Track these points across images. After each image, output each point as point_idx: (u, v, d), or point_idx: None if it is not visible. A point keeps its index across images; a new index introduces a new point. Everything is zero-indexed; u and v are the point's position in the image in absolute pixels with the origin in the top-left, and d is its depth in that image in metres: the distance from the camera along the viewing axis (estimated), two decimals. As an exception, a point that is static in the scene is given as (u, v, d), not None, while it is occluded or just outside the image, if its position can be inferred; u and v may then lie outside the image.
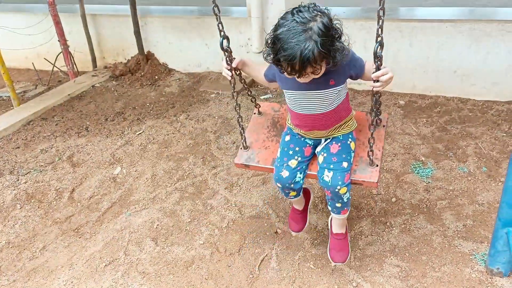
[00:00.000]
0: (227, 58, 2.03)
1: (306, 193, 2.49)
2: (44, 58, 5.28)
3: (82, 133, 3.99)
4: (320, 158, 2.06)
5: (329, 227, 2.33)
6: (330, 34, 1.58)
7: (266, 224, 2.73)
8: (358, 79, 1.94)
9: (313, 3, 1.64)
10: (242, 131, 2.26)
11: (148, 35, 5.09)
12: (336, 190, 1.96)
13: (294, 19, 1.57)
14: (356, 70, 1.85)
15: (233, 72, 2.06)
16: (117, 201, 3.10)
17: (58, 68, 5.34)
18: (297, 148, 2.11)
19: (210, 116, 4.07)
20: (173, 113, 4.22)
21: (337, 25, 1.65)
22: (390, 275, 2.31)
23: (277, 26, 1.62)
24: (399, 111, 3.79)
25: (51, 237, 2.82)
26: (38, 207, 3.09)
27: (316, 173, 2.07)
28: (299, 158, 2.08)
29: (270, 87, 2.36)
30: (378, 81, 1.68)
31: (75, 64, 5.23)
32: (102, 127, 4.07)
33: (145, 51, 5.11)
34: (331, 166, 1.99)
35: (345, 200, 2.03)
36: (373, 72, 1.67)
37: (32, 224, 2.94)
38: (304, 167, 2.10)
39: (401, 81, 4.04)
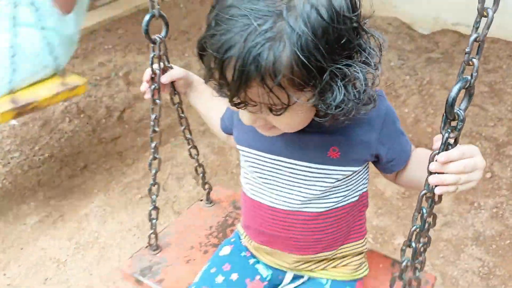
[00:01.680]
0: (154, 58, 1.11)
1: None
2: (118, -35, 4.98)
3: (142, 50, 3.73)
4: None
5: None
6: (339, 34, 0.69)
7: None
8: (389, 178, 1.04)
9: None
10: (154, 213, 1.36)
11: None
12: None
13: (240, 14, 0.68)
14: (391, 150, 0.93)
15: (163, 89, 1.14)
16: (166, 128, 2.84)
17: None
18: (233, 276, 1.07)
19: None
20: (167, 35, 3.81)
21: (368, 29, 0.75)
22: (467, 269, 1.86)
23: None
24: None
25: (94, 157, 2.66)
26: (87, 123, 2.93)
27: None
28: None
29: (229, 143, 1.18)
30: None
31: (148, -26, 4.88)
32: (164, 46, 3.77)
33: None
34: None
35: None
36: (435, 152, 0.75)
37: (77, 140, 2.79)
38: None
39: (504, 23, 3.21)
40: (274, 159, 0.94)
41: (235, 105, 0.74)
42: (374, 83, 0.76)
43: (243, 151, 1.00)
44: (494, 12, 0.65)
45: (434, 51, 3.37)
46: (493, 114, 2.62)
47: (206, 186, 1.47)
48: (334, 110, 0.72)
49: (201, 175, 1.45)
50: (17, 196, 2.39)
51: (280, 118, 0.76)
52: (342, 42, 0.69)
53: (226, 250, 1.15)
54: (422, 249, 0.85)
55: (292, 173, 0.93)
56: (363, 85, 0.73)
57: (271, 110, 0.74)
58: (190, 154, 1.39)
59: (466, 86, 0.68)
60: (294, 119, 0.79)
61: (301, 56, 0.66)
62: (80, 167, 2.59)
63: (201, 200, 1.51)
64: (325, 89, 0.70)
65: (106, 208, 2.29)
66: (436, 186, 0.73)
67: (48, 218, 2.24)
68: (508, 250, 1.91)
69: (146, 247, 1.32)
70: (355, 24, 0.71)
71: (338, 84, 0.70)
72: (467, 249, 1.93)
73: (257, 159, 0.97)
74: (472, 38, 0.68)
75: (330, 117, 0.76)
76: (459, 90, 0.67)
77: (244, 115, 0.81)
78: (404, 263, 0.87)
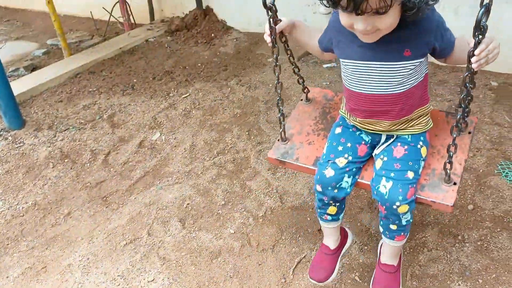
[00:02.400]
0: (270, 19, 1.53)
1: (344, 235, 1.95)
2: (102, 8, 5.08)
3: (127, 91, 3.76)
4: (378, 163, 1.57)
5: (378, 254, 1.84)
6: None
7: (309, 219, 2.33)
8: (441, 60, 1.48)
9: None
10: (281, 118, 1.78)
11: (208, -13, 4.68)
12: (394, 207, 1.48)
13: None
14: (443, 42, 1.38)
15: (277, 38, 1.58)
16: (151, 170, 2.83)
17: (116, 19, 5.12)
18: (349, 144, 1.63)
19: (263, 84, 3.64)
20: (224, 76, 3.84)
21: None
22: (455, 306, 1.85)
23: None
24: (489, 95, 3.12)
25: (78, 202, 2.63)
26: (71, 168, 2.92)
27: (369, 182, 1.58)
28: (350, 157, 1.60)
29: (324, 58, 1.80)
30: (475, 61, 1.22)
31: (132, 15, 4.98)
32: (148, 86, 3.80)
33: (204, 5, 4.72)
34: (392, 175, 1.50)
35: (403, 222, 1.56)
36: (472, 49, 1.20)
37: (61, 186, 2.77)
38: (354, 169, 1.61)
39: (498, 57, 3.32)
40: (367, 64, 1.42)
41: (358, 14, 1.17)
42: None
43: (344, 62, 1.49)
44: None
45: None
46: (472, 145, 2.66)
47: (305, 90, 1.96)
48: (421, 4, 1.16)
49: (302, 84, 1.91)
50: (0, 247, 2.35)
51: (384, 19, 1.19)
52: None
53: (338, 129, 1.69)
54: (468, 101, 1.38)
55: (382, 70, 1.40)
56: None
57: (378, 11, 1.15)
58: (294, 72, 1.85)
59: (487, 9, 1.12)
60: (392, 17, 1.20)
61: None
62: (63, 214, 2.56)
63: (301, 100, 2.01)
64: None
65: (89, 257, 2.25)
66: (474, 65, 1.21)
67: (31, 270, 2.19)
68: (495, 284, 1.91)
69: (278, 140, 1.84)
70: None
71: None
72: (453, 285, 1.92)
73: (356, 65, 1.45)
74: None
75: (415, 10, 1.18)
76: (483, 13, 1.12)
77: (360, 23, 1.22)
78: (459, 116, 1.40)
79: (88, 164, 2.95)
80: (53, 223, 2.50)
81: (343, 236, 1.91)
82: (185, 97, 3.59)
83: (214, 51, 4.33)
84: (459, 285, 1.92)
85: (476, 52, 1.18)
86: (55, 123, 3.35)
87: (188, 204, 2.53)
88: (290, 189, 2.53)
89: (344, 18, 1.26)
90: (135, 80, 3.92)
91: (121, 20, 5.07)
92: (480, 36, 1.16)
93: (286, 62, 3.93)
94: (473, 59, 1.19)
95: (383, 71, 1.40)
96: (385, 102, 1.47)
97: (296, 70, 1.84)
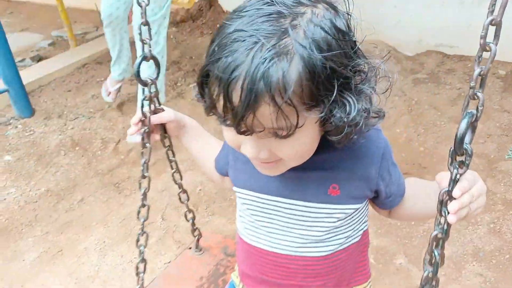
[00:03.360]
0: (144, 101, 1.05)
1: None
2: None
3: (134, 81, 3.75)
4: None
5: None
6: (342, 51, 0.69)
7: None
8: (385, 213, 0.99)
9: None
10: (142, 266, 1.25)
11: (214, -22, 4.68)
12: None
13: (266, 3, 0.70)
14: (390, 184, 0.90)
15: (155, 131, 1.10)
16: (162, 158, 2.82)
17: (121, 11, 5.11)
18: None
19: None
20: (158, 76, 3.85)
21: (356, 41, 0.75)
22: (470, 285, 1.88)
23: (227, 20, 0.73)
24: (498, 83, 3.15)
25: (90, 189, 2.65)
26: (82, 156, 2.93)
27: None
28: None
29: (227, 187, 1.11)
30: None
31: (137, 7, 4.98)
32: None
33: (209, -4, 4.73)
34: None
35: None
36: (446, 188, 0.71)
37: (73, 173, 2.78)
38: None
39: (504, 46, 3.33)
40: (272, 200, 0.90)
41: (241, 133, 0.70)
42: (376, 99, 0.78)
43: (239, 192, 0.95)
44: (496, 46, 0.66)
45: (420, 72, 3.46)
46: (482, 131, 2.69)
47: (196, 233, 1.37)
48: (346, 124, 0.70)
49: (190, 221, 1.38)
50: (15, 233, 2.36)
51: (287, 144, 0.72)
52: (346, 56, 0.70)
53: None
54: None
55: (291, 214, 0.89)
56: (370, 98, 0.74)
57: (278, 135, 0.70)
58: (180, 199, 1.34)
59: (473, 120, 0.67)
60: (302, 144, 0.74)
61: (309, 69, 0.65)
62: (77, 200, 2.57)
63: (190, 248, 1.41)
64: (336, 102, 0.69)
65: (105, 240, 2.27)
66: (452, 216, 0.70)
67: (47, 254, 2.21)
68: (508, 265, 1.94)
69: None
70: (353, 43, 0.73)
71: (349, 97, 0.70)
72: (468, 265, 1.95)
73: (255, 201, 0.92)
74: (476, 72, 0.67)
75: (342, 135, 0.72)
76: (468, 125, 0.66)
77: (248, 146, 0.74)
78: None
79: (99, 152, 2.96)
80: (66, 208, 2.51)
81: None
82: (193, 86, 3.60)
83: (221, 42, 4.34)
84: (473, 265, 1.95)
85: (455, 193, 0.69)
86: (65, 112, 3.36)
87: (200, 190, 2.55)
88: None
89: (229, 136, 0.79)
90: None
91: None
92: (458, 170, 0.69)
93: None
94: (450, 206, 0.69)
95: (294, 217, 0.89)
96: (294, 271, 0.93)
97: (184, 197, 1.34)
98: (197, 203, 2.45)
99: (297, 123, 0.68)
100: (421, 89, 3.20)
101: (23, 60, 4.24)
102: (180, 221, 2.34)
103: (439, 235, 0.73)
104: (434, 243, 0.74)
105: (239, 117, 0.67)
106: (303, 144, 0.75)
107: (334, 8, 0.71)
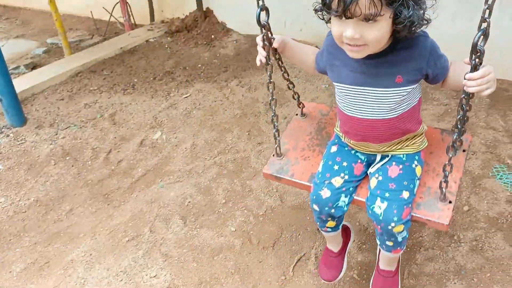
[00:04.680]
0: (264, 36, 1.52)
1: (346, 232, 1.97)
2: (103, 7, 5.11)
3: (128, 91, 3.79)
4: (373, 182, 1.56)
5: (377, 257, 1.86)
6: None
7: (308, 218, 2.37)
8: (436, 85, 1.47)
9: None
10: (276, 133, 1.74)
11: (209, -11, 4.73)
12: (389, 227, 1.48)
13: None
14: (435, 69, 1.36)
15: (271, 55, 1.57)
16: (152, 169, 2.87)
17: (116, 19, 5.15)
18: (344, 163, 1.61)
19: (264, 85, 3.69)
20: (224, 77, 3.88)
21: None
22: (450, 303, 1.90)
23: None
24: (484, 99, 3.19)
25: (79, 199, 2.66)
26: (72, 166, 2.95)
27: (365, 200, 1.58)
28: (346, 177, 1.59)
29: (314, 73, 1.73)
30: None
31: (132, 15, 5.01)
32: (149, 86, 3.84)
33: (204, 7, 4.76)
34: (387, 195, 1.49)
35: (399, 239, 1.56)
36: (467, 73, 1.19)
37: (63, 183, 2.80)
38: (351, 189, 1.60)
39: (491, 63, 3.38)
40: (359, 89, 1.41)
41: (347, 17, 1.16)
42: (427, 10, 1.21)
43: (337, 85, 1.48)
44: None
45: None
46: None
47: (300, 105, 1.95)
48: (408, 21, 1.16)
49: (297, 99, 1.89)
50: (3, 243, 2.37)
51: (372, 29, 1.18)
52: None
53: (334, 148, 1.67)
54: (464, 121, 1.33)
55: (374, 96, 1.40)
56: (425, 7, 1.20)
57: (368, 19, 1.15)
58: (288, 87, 1.82)
59: (484, 33, 1.11)
60: (381, 30, 1.19)
61: None
62: (66, 210, 2.59)
63: (297, 115, 1.99)
64: (403, 5, 1.14)
65: (92, 253, 2.28)
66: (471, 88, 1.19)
67: (34, 265, 2.22)
68: (490, 283, 1.96)
69: (273, 155, 1.82)
70: None
71: (414, 10, 1.16)
72: (449, 283, 1.97)
73: (348, 90, 1.44)
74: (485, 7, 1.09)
75: (406, 28, 1.19)
76: (480, 35, 1.11)
77: (350, 29, 1.19)
78: (455, 136, 1.37)
79: (89, 162, 2.98)
80: (55, 219, 2.53)
81: (346, 236, 1.95)
82: (185, 97, 3.63)
83: (214, 53, 4.37)
84: (455, 283, 1.98)
85: (473, 75, 1.16)
86: (57, 121, 3.38)
87: (189, 202, 2.57)
88: (290, 188, 2.58)
89: (335, 27, 1.24)
90: (135, 80, 3.95)
91: (121, 20, 5.09)
92: (477, 60, 1.15)
93: (288, 64, 4.01)
94: (469, 83, 1.18)
95: (375, 97, 1.40)
96: (378, 127, 1.46)
97: (291, 86, 1.82)
98: (185, 215, 2.47)
99: (381, 10, 1.13)
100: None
101: (17, 67, 4.27)
102: (168, 233, 2.36)
103: (465, 97, 1.25)
104: (464, 99, 1.26)
105: (348, 4, 1.13)
106: (382, 30, 1.19)
107: None
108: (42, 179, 2.83)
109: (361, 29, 1.18)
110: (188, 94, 3.67)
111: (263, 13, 1.50)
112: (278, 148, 1.79)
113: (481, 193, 2.42)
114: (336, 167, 1.61)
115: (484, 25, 1.11)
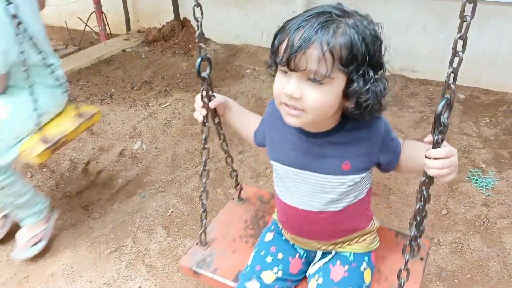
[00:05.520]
0: (203, 91, 1.31)
1: None
2: (77, 17, 5.04)
3: (105, 101, 3.74)
4: (312, 284, 1.28)
5: None
6: (374, 47, 0.98)
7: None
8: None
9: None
10: (204, 214, 1.47)
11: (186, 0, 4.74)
12: None
13: (316, 12, 0.98)
14: (388, 156, 1.16)
15: (209, 114, 1.35)
16: (133, 179, 2.83)
17: (91, 28, 5.08)
18: (280, 255, 1.34)
19: (243, 94, 3.72)
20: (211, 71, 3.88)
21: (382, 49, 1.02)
22: (433, 304, 1.94)
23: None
24: (457, 107, 3.31)
25: (58, 212, 2.59)
26: (50, 178, 2.88)
27: None
28: (280, 273, 1.30)
29: (259, 149, 1.45)
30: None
31: (108, 25, 4.96)
32: (127, 96, 3.80)
33: (181, 17, 4.77)
34: None
35: None
36: (429, 149, 0.98)
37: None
38: None
39: (463, 72, 3.51)
40: (299, 172, 1.19)
41: (290, 68, 0.96)
42: (386, 93, 1.04)
43: (274, 165, 1.25)
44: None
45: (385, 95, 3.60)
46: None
47: (238, 187, 1.70)
48: (361, 97, 0.98)
49: (234, 178, 1.66)
50: (-22, 259, 2.29)
51: (315, 92, 0.97)
52: (376, 51, 0.98)
53: (269, 236, 1.42)
54: (422, 217, 1.12)
55: (315, 183, 1.17)
56: (384, 88, 1.01)
57: (314, 79, 0.95)
58: (226, 162, 1.58)
59: (448, 103, 0.92)
60: (326, 97, 0.98)
61: (351, 42, 0.93)
62: (44, 223, 2.52)
63: (233, 199, 1.74)
64: (360, 75, 0.96)
65: (73, 266, 2.23)
66: (430, 171, 0.98)
67: (13, 280, 2.15)
68: (470, 284, 2.02)
69: (197, 243, 1.52)
70: (380, 45, 1.00)
71: (370, 75, 0.97)
72: (431, 285, 2.02)
73: (286, 172, 1.22)
74: (449, 71, 0.91)
75: (358, 108, 1.01)
76: (444, 106, 0.92)
77: (290, 83, 0.99)
78: (412, 233, 1.14)
79: (67, 174, 2.92)
80: (33, 232, 2.46)
81: None
82: (165, 107, 3.61)
83: (192, 62, 4.37)
84: (437, 285, 2.03)
85: (434, 154, 0.96)
86: (32, 132, 3.29)
87: (172, 212, 2.55)
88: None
89: (277, 81, 1.03)
90: (113, 90, 3.90)
91: (96, 30, 5.04)
92: (440, 135, 0.95)
93: (264, 74, 4.05)
94: (429, 163, 0.97)
95: (317, 185, 1.17)
96: (317, 222, 1.23)
97: (229, 160, 1.57)
98: (168, 225, 2.44)
99: (330, 71, 0.93)
100: (386, 112, 3.27)
101: (-12, 77, 4.14)
102: (151, 244, 2.33)
103: (427, 180, 1.03)
104: (423, 186, 1.05)
105: (293, 52, 0.93)
106: (327, 97, 0.98)
107: (370, 21, 1.01)
108: (18, 192, 2.74)
109: (303, 88, 0.97)
110: (167, 104, 3.65)
111: (204, 64, 1.28)
112: (203, 235, 1.50)
113: (458, 196, 2.50)
114: (269, 259, 1.32)
115: (449, 92, 0.92)
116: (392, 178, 2.66)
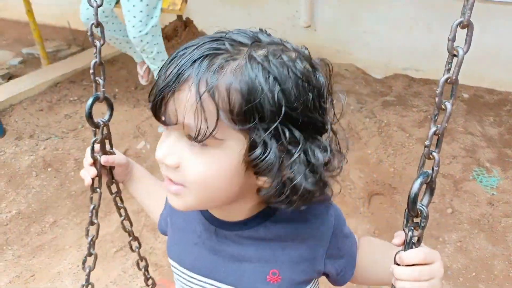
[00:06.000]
0: (95, 144, 0.97)
1: None
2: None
3: (109, 100, 3.74)
4: None
5: None
6: (302, 96, 0.61)
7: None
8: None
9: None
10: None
11: None
12: None
13: (211, 37, 0.64)
14: (338, 262, 0.79)
15: (104, 176, 0.99)
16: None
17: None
18: None
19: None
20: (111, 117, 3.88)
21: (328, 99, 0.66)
22: (439, 303, 1.94)
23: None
24: (461, 106, 3.31)
25: (63, 211, 2.61)
26: (55, 177, 2.88)
27: None
28: None
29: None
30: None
31: (111, 25, 4.97)
32: (131, 96, 3.81)
33: (184, 17, 4.77)
34: None
35: None
36: (400, 250, 0.65)
37: (45, 195, 2.73)
38: None
39: (466, 71, 3.51)
40: (204, 282, 0.78)
41: (157, 118, 0.63)
42: (328, 170, 0.64)
43: (172, 265, 0.85)
44: (464, 51, 0.62)
45: (388, 95, 3.60)
46: (447, 152, 2.82)
47: (149, 282, 1.27)
48: (268, 173, 0.61)
49: (143, 269, 1.28)
50: (-16, 257, 2.30)
51: (198, 160, 0.62)
52: (308, 103, 0.61)
53: None
54: None
55: None
56: (324, 160, 0.63)
57: (193, 137, 0.60)
58: (131, 247, 1.21)
59: (428, 181, 0.61)
60: (213, 167, 0.62)
61: (254, 80, 0.58)
62: (49, 223, 2.52)
63: None
64: (269, 136, 0.59)
65: (79, 264, 2.23)
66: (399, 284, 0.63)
67: (19, 279, 2.16)
68: (475, 282, 2.03)
69: None
70: (314, 88, 0.62)
71: (287, 137, 0.60)
72: (437, 283, 2.03)
73: (186, 279, 0.81)
74: (431, 131, 0.63)
75: (273, 191, 0.63)
76: (421, 186, 0.61)
77: (162, 145, 0.66)
78: None
79: (72, 173, 2.92)
80: (38, 231, 2.46)
81: None
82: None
83: (195, 62, 4.38)
84: (442, 284, 2.03)
85: (405, 258, 0.62)
86: (36, 132, 3.30)
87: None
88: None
89: (159, 141, 0.69)
90: (117, 90, 3.91)
91: (99, 30, 5.04)
92: (415, 232, 0.63)
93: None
94: (397, 272, 0.63)
95: None
96: None
97: (136, 245, 1.20)
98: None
99: (215, 127, 0.58)
100: (390, 111, 3.32)
101: (-8, 78, 4.16)
102: (156, 243, 2.34)
103: None
104: None
105: (158, 95, 0.61)
106: (212, 168, 0.62)
107: (307, 60, 0.64)
108: (24, 191, 2.75)
109: (180, 152, 0.64)
110: (171, 103, 3.66)
111: (103, 106, 0.96)
112: None
113: (463, 195, 2.50)
114: None
115: (430, 165, 0.62)
116: (396, 177, 2.67)
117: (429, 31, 3.60)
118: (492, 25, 3.34)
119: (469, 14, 0.60)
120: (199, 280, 0.79)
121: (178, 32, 4.77)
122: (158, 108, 0.62)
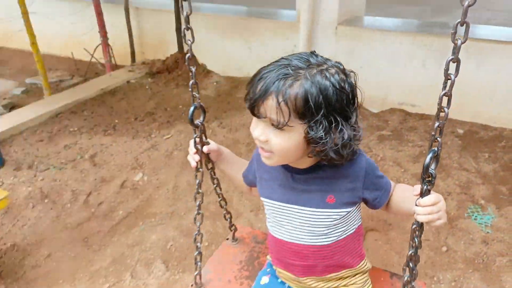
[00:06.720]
0: (196, 138, 1.35)
1: None
2: (84, 48, 5.16)
3: (108, 132, 3.79)
4: None
5: None
6: (336, 97, 1.01)
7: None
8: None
9: (337, 62, 1.08)
10: (198, 257, 1.49)
11: (190, 33, 4.86)
12: None
13: (281, 63, 1.04)
14: (375, 192, 1.20)
15: (203, 159, 1.38)
16: (133, 211, 2.85)
17: (97, 60, 5.20)
18: None
19: (244, 126, 3.76)
20: (205, 119, 3.94)
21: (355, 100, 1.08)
22: None
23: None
24: (456, 141, 3.34)
25: (58, 244, 2.61)
26: (51, 209, 2.89)
27: None
28: None
29: (252, 195, 1.50)
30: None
31: (113, 57, 5.08)
32: (130, 127, 3.85)
33: (185, 49, 4.88)
34: None
35: None
36: (418, 197, 1.02)
37: (41, 227, 2.74)
38: None
39: (462, 107, 3.58)
40: (286, 206, 1.22)
41: (254, 114, 1.04)
42: (355, 139, 1.06)
43: (264, 201, 1.29)
44: (448, 109, 0.93)
45: (384, 129, 3.64)
46: (443, 188, 2.83)
47: (232, 227, 1.70)
48: (318, 144, 1.01)
49: (228, 220, 1.67)
50: (-24, 291, 2.29)
51: (278, 137, 1.03)
52: (340, 101, 1.01)
53: (264, 279, 1.41)
54: (416, 259, 1.10)
55: (301, 216, 1.20)
56: (350, 136, 1.03)
57: (275, 126, 1.01)
58: (220, 205, 1.61)
59: (435, 155, 0.96)
60: (288, 142, 1.04)
61: (306, 94, 0.98)
62: (44, 256, 2.52)
63: (227, 239, 1.74)
64: (317, 124, 1.00)
65: (72, 299, 2.23)
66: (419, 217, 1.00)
67: (11, 315, 2.15)
68: (469, 323, 2.01)
69: (192, 285, 1.51)
70: (348, 98, 1.03)
71: (325, 125, 1.00)
72: (431, 324, 2.01)
73: (275, 207, 1.25)
74: (436, 125, 0.95)
75: (319, 154, 1.04)
76: (431, 159, 0.95)
77: (257, 128, 1.07)
78: (406, 278, 1.12)
79: (69, 205, 2.93)
80: (33, 264, 2.46)
81: None
82: (167, 138, 3.66)
83: (195, 94, 4.44)
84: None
85: (423, 201, 0.99)
86: (35, 163, 3.34)
87: (171, 245, 2.55)
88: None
89: (252, 124, 1.11)
90: (116, 121, 3.96)
91: (102, 61, 5.15)
92: (428, 185, 0.98)
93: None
94: (419, 210, 0.99)
95: (303, 218, 1.20)
96: (307, 255, 1.24)
97: (223, 203, 1.59)
98: (168, 259, 2.44)
99: (288, 120, 0.99)
100: (386, 146, 3.36)
101: (-5, 107, 4.22)
102: (149, 279, 2.33)
103: (416, 228, 1.05)
104: (415, 233, 1.06)
105: (253, 102, 1.02)
106: (288, 142, 1.04)
107: (345, 73, 1.05)
108: (20, 223, 2.76)
109: (269, 133, 1.05)
110: (170, 135, 3.70)
111: (198, 112, 1.35)
112: (198, 277, 1.50)
113: (457, 233, 2.50)
114: None
115: (436, 145, 0.96)
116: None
117: (424, 68, 3.67)
118: (487, 63, 3.41)
119: (457, 53, 0.94)
120: (283, 207, 1.22)
121: (179, 64, 4.87)
122: (254, 109, 1.03)
